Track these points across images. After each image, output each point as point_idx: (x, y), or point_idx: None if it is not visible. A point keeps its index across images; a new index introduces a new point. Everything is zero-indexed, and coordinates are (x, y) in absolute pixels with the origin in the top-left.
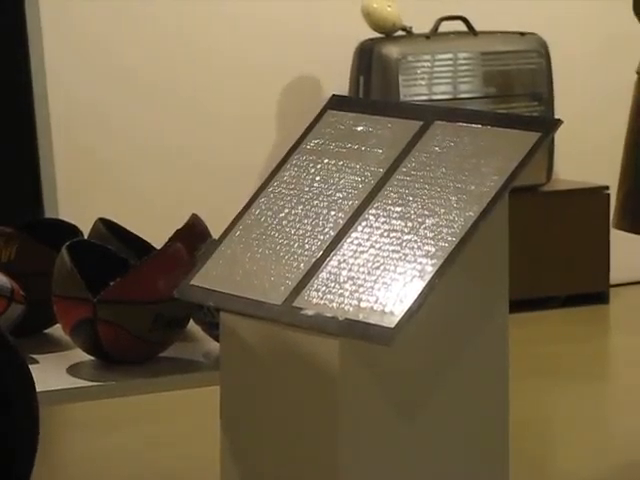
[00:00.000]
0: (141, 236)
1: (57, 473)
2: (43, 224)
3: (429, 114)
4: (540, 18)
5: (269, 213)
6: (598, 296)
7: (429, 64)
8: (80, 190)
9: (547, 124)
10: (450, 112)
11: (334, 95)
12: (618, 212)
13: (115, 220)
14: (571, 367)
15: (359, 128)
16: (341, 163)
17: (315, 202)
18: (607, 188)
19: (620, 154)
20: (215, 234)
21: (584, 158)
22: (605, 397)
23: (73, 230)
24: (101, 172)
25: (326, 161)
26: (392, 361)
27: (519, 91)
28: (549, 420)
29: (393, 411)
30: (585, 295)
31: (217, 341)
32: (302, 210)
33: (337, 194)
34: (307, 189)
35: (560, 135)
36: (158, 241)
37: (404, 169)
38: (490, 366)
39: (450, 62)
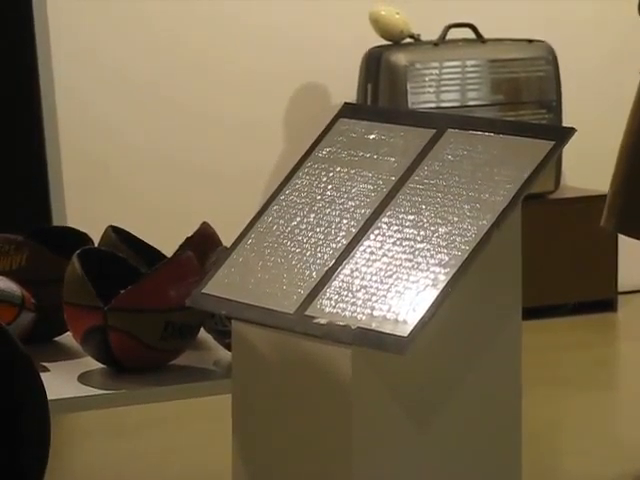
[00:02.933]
0: (150, 244)
1: None
2: (53, 232)
3: (442, 122)
4: (548, 25)
5: (281, 221)
6: (606, 303)
7: (437, 71)
8: (88, 198)
9: (560, 132)
10: (463, 120)
11: (346, 103)
12: (606, 211)
13: (122, 227)
14: (579, 375)
15: (371, 136)
16: (353, 171)
17: (327, 210)
18: None
19: None
20: (224, 242)
21: (592, 165)
22: (613, 405)
23: (83, 238)
24: (109, 179)
25: (338, 169)
26: (405, 370)
27: (527, 99)
28: (557, 428)
29: (406, 420)
30: (593, 303)
31: (228, 349)
32: (314, 218)
33: (349, 202)
34: (319, 197)
35: (568, 142)
36: (167, 249)
37: (417, 177)
38: (503, 374)
39: (458, 69)
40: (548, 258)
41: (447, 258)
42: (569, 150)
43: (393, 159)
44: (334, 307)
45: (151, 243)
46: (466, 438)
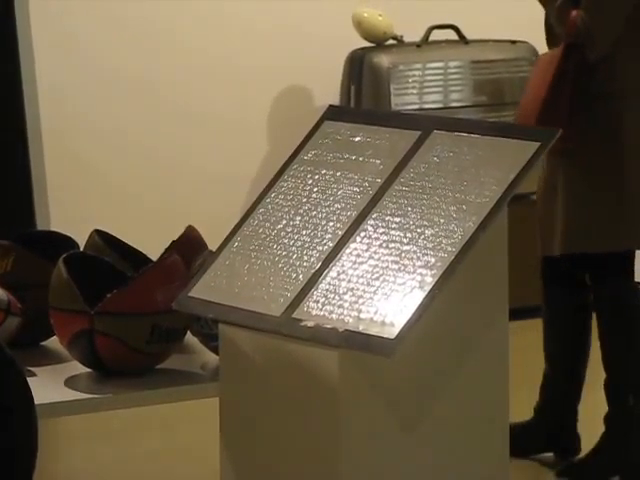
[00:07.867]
0: (135, 247)
1: None
2: (38, 236)
3: (427, 124)
4: (531, 26)
5: (267, 224)
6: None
7: (420, 73)
8: (71, 201)
9: (546, 134)
10: (448, 122)
11: (331, 105)
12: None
13: (106, 231)
14: None
15: (357, 138)
16: (339, 174)
17: (313, 213)
18: None
19: None
20: (210, 245)
21: None
22: (599, 405)
23: (69, 242)
24: (93, 183)
25: (324, 172)
26: (392, 372)
27: (510, 100)
28: None
29: (393, 422)
30: None
31: (215, 353)
32: (300, 221)
33: (335, 205)
34: (305, 200)
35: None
36: (152, 252)
37: (402, 179)
38: (491, 375)
39: (441, 71)
40: (531, 258)
41: (433, 260)
42: None
43: (379, 161)
44: (321, 310)
45: (136, 247)
46: (453, 440)
